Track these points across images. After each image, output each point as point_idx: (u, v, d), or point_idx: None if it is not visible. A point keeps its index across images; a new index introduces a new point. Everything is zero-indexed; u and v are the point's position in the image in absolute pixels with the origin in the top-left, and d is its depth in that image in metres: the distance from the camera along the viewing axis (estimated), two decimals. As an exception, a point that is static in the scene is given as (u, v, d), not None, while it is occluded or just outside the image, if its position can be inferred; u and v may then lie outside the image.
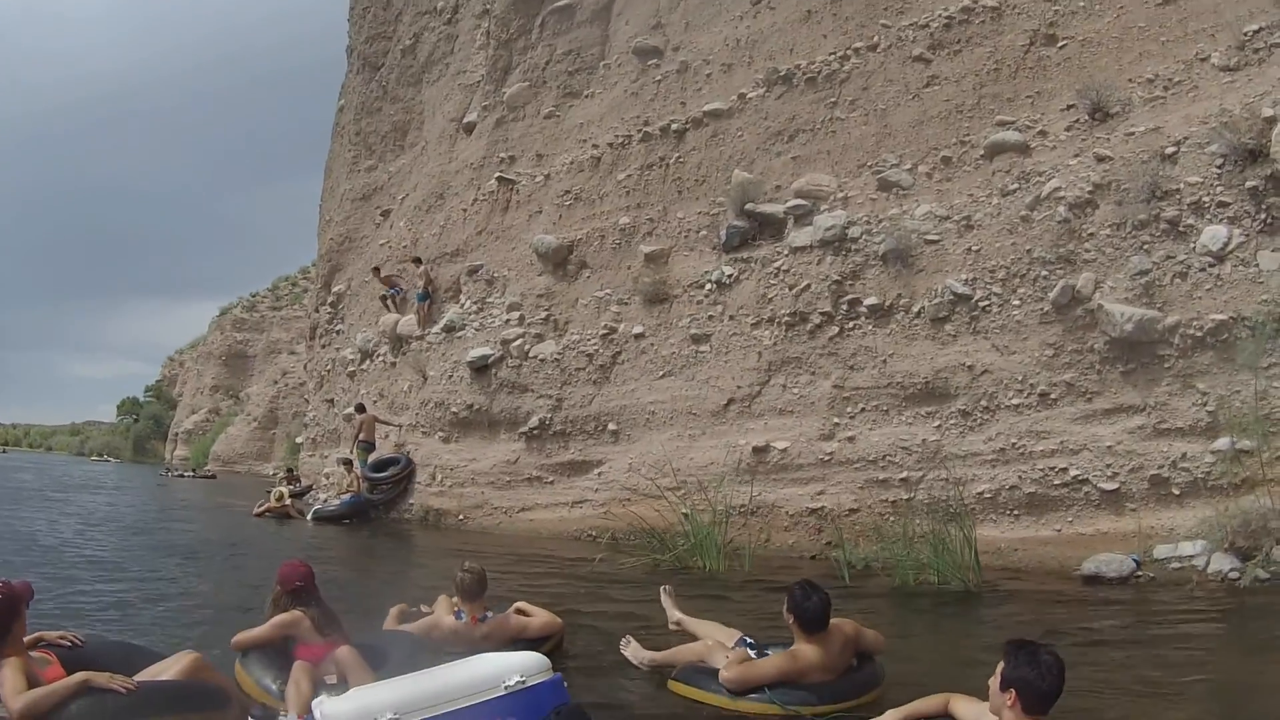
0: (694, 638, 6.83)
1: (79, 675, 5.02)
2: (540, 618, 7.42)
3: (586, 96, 20.33)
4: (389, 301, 23.36)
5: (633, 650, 6.97)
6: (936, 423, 13.29)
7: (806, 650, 5.76)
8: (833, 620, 5.87)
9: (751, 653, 6.19)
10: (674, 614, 7.37)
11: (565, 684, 4.09)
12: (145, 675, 5.43)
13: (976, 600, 10.36)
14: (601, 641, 7.86)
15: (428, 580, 10.46)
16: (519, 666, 3.91)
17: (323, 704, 3.74)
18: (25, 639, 5.37)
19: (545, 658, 4.12)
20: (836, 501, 13.86)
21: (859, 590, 10.91)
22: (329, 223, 29.92)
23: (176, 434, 74.56)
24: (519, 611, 7.49)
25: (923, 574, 11.09)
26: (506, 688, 3.78)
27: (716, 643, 6.46)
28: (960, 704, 4.54)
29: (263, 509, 21.83)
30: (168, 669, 5.50)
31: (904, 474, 13.34)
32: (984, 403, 12.94)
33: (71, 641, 5.69)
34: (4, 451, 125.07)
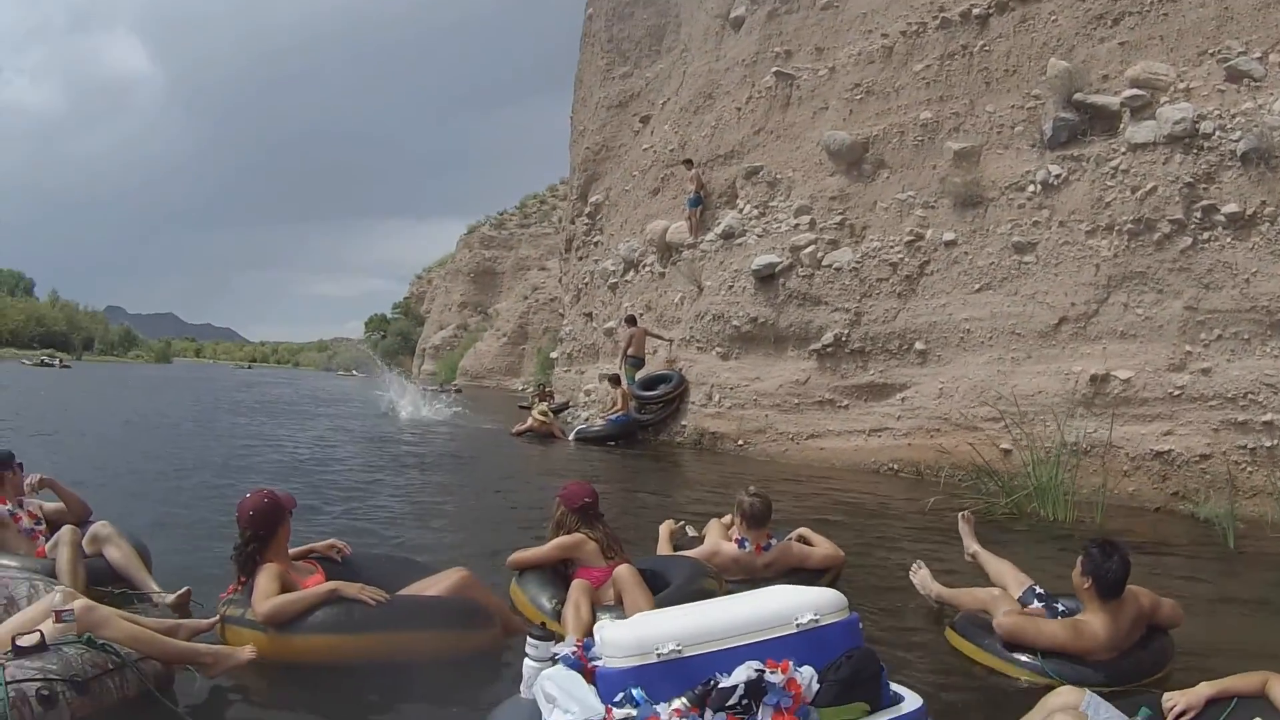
0: (986, 575, 6.41)
1: (327, 584, 5.09)
2: (824, 548, 7.07)
3: (869, -17, 18.33)
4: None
5: (921, 578, 6.72)
6: None
7: (1094, 623, 5.24)
8: (1129, 588, 5.30)
9: (1039, 605, 5.77)
10: (971, 545, 6.83)
11: (861, 625, 3.80)
12: (412, 590, 5.49)
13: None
14: (887, 578, 7.54)
15: (702, 509, 9.54)
16: (813, 604, 3.64)
17: (603, 629, 3.57)
18: (295, 551, 5.59)
19: (842, 595, 3.81)
20: (1186, 445, 11.97)
21: (1250, 558, 9.39)
22: (583, 133, 29.37)
23: (424, 349, 77.11)
24: (801, 539, 7.13)
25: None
26: (798, 625, 3.54)
27: (1004, 592, 5.96)
28: (1279, 685, 3.94)
29: (523, 428, 20.67)
30: (435, 585, 5.49)
31: (1268, 416, 11.41)
32: (1366, 333, 10.92)
33: (339, 550, 5.84)
34: (249, 368, 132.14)
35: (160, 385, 45.57)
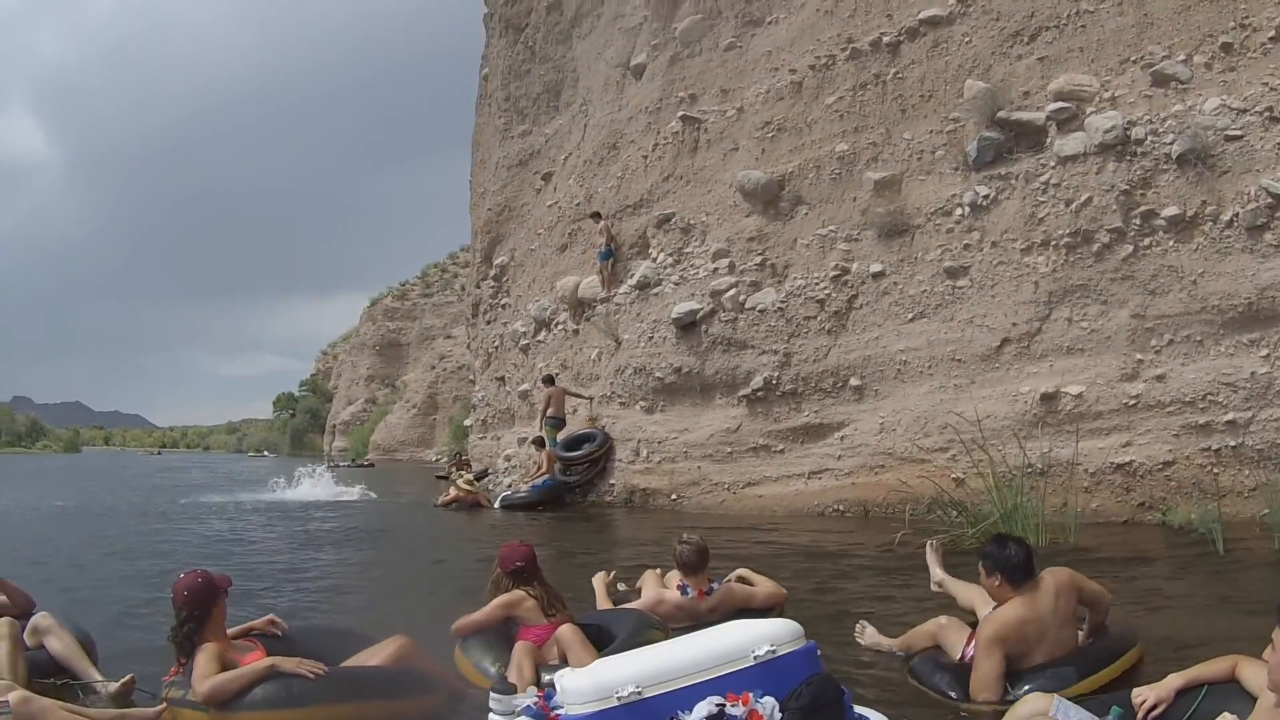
0: (955, 602, 6.07)
1: (266, 660, 4.91)
2: (765, 587, 6.74)
3: (770, 23, 17.61)
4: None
5: (868, 637, 6.21)
6: (1264, 351, 10.93)
7: (1012, 607, 4.95)
8: (1044, 571, 5.09)
9: None
10: (937, 573, 6.45)
11: (819, 653, 3.70)
12: (354, 661, 5.32)
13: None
14: (840, 615, 7.08)
15: (638, 565, 8.66)
16: (769, 635, 3.55)
17: (563, 677, 3.44)
18: (234, 630, 5.38)
19: (797, 625, 3.75)
20: (1147, 454, 11.52)
21: (1241, 561, 8.88)
22: (483, 195, 28.22)
23: (334, 425, 75.81)
24: (741, 580, 6.80)
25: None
26: (755, 658, 3.42)
27: (950, 619, 5.65)
28: (1248, 669, 3.82)
29: (448, 499, 19.40)
30: (375, 654, 5.31)
31: (1229, 416, 10.99)
32: (1323, 323, 10.65)
33: (277, 625, 5.61)
34: (158, 454, 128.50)
35: (76, 475, 43.78)
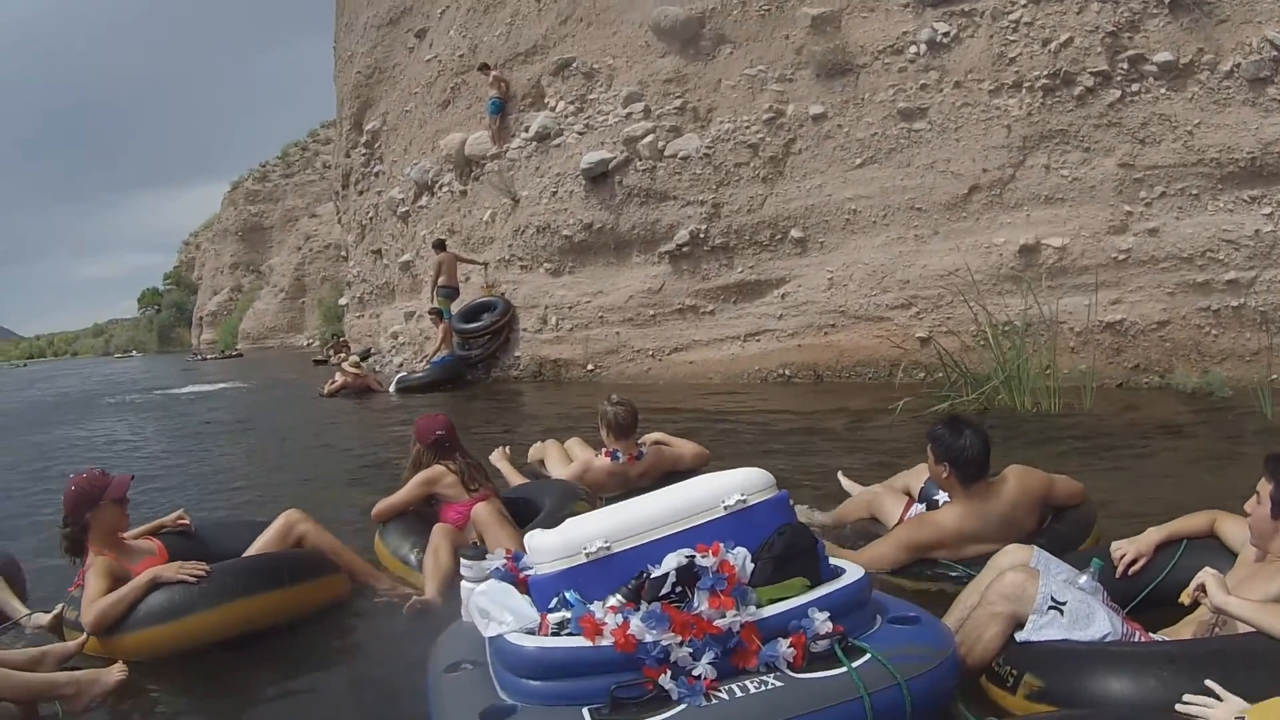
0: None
1: (147, 573, 4.24)
2: (689, 447, 6.23)
3: None
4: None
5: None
6: (1268, 209, 9.58)
7: (952, 514, 4.14)
8: (1012, 469, 4.25)
9: (941, 498, 4.48)
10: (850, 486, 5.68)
11: (791, 501, 3.21)
12: (255, 548, 4.80)
13: None
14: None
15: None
16: (739, 484, 3.16)
17: (531, 537, 3.14)
18: (143, 528, 4.88)
19: (768, 474, 3.24)
20: (1139, 313, 10.10)
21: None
22: (350, 59, 25.01)
23: (201, 318, 72.52)
24: (659, 443, 6.22)
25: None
26: (726, 507, 3.09)
27: (884, 487, 5.02)
28: (1227, 523, 3.52)
29: (336, 387, 16.46)
30: (265, 537, 4.82)
31: (1230, 275, 9.65)
32: (1330, 183, 9.34)
33: (183, 526, 5.03)
34: (24, 366, 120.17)
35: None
